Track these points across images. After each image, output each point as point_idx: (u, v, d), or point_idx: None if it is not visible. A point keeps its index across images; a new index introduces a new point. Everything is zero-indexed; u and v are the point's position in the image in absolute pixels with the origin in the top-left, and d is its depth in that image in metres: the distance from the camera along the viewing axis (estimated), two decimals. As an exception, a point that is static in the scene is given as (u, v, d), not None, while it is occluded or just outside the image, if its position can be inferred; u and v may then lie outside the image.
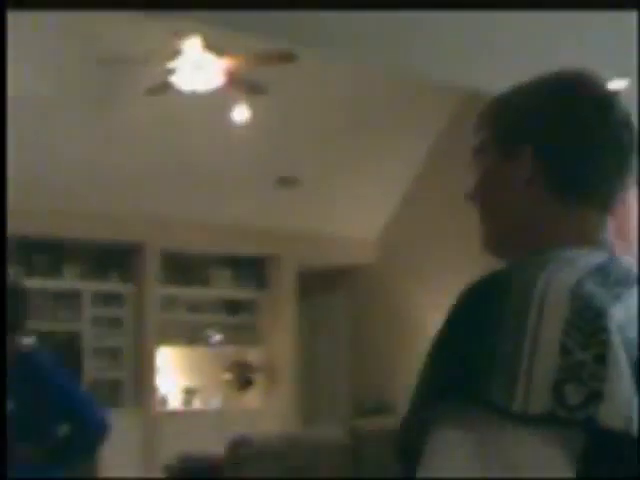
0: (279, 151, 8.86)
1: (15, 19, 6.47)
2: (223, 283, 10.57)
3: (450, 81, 7.10)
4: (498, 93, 1.37)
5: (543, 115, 1.30)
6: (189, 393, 10.20)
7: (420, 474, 1.04)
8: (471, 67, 5.46)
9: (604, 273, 1.13)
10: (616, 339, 1.03)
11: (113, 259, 10.06)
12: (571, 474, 1.00)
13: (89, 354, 9.59)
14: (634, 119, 1.30)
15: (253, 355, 10.56)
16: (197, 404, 10.24)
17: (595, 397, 0.99)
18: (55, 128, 8.07)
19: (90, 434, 4.16)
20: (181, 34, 6.30)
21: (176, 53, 6.36)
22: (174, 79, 6.44)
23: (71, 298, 9.67)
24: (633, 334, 1.07)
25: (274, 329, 10.49)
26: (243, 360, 10.47)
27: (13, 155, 8.10)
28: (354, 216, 10.02)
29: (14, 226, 8.91)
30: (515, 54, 5.09)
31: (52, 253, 9.70)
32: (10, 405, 3.84)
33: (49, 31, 6.84)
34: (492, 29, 4.82)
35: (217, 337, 10.43)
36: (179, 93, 6.79)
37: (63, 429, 4.12)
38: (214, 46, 6.43)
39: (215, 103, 7.33)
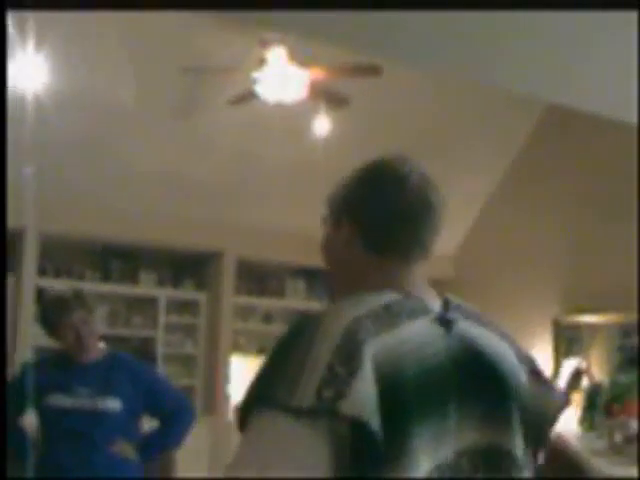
0: (358, 162, 8.81)
1: (99, 27, 6.54)
2: (297, 294, 10.56)
3: (533, 94, 7.02)
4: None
5: (355, 194, 1.74)
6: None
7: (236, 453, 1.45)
8: (554, 80, 5.36)
9: (388, 310, 1.57)
10: (366, 361, 1.44)
11: (189, 267, 10.12)
12: (326, 450, 1.39)
13: (163, 360, 9.63)
14: (429, 192, 1.72)
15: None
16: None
17: (340, 396, 1.39)
18: (135, 136, 8.12)
19: (180, 428, 4.25)
20: (266, 43, 6.29)
21: (261, 62, 6.36)
22: (258, 88, 6.43)
23: (146, 304, 9.73)
24: (402, 353, 1.50)
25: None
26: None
27: (93, 162, 8.24)
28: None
29: (92, 232, 9.09)
30: (600, 68, 4.99)
31: (129, 259, 9.78)
32: (115, 403, 3.98)
33: (131, 39, 6.88)
34: (576, 43, 4.73)
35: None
36: (261, 103, 6.78)
37: (151, 424, 4.21)
38: (298, 57, 6.42)
39: (297, 114, 7.32)
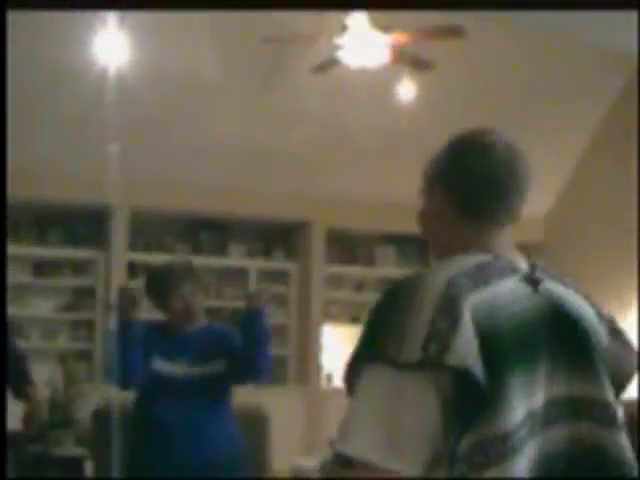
0: (445, 127, 8.69)
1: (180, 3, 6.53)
2: (388, 261, 10.49)
3: (624, 50, 6.86)
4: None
5: (445, 165, 1.85)
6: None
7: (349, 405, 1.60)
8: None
9: (480, 269, 1.69)
10: (465, 315, 1.57)
11: (278, 237, 10.14)
12: (435, 400, 1.54)
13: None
14: (515, 162, 1.82)
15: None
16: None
17: (445, 349, 1.52)
18: (220, 109, 8.12)
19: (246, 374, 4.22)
20: (347, 10, 6.21)
21: (342, 29, 6.27)
22: (340, 55, 6.36)
23: (237, 275, 9.76)
24: (496, 307, 1.64)
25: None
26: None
27: (179, 137, 8.27)
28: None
29: (181, 206, 9.15)
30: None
31: (218, 231, 9.83)
32: (215, 369, 4.12)
33: (217, 12, 6.85)
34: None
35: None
36: (344, 70, 6.71)
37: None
38: (379, 22, 6.33)
39: (380, 80, 7.22)
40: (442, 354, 1.53)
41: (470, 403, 1.55)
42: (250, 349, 4.17)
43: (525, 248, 2.02)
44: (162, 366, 4.13)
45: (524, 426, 1.61)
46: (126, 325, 4.03)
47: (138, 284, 9.20)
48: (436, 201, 1.87)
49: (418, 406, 1.54)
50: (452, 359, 1.53)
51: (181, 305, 4.18)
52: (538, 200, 10.05)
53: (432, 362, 1.53)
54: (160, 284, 4.21)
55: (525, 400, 1.62)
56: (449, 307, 1.58)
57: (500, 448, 1.56)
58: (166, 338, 4.21)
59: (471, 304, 1.60)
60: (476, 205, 1.82)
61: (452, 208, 1.84)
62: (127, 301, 4.02)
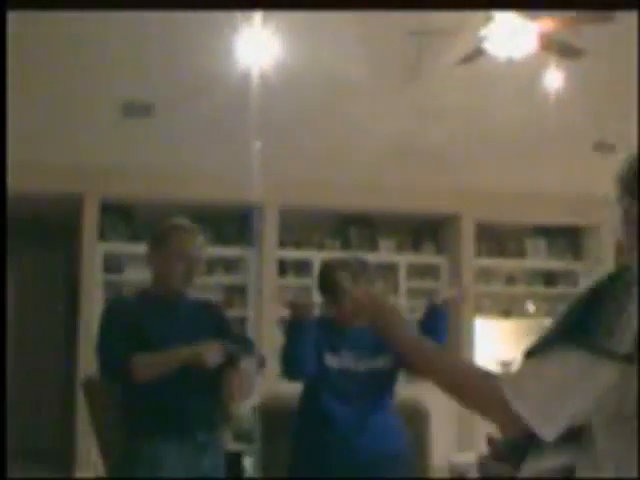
0: (593, 117, 8.48)
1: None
2: (538, 253, 10.33)
3: None
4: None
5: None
6: (506, 366, 10.05)
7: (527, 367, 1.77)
8: None
9: None
10: None
11: (427, 231, 10.11)
12: (629, 393, 1.62)
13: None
14: None
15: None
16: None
17: None
18: (366, 105, 8.12)
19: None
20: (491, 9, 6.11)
21: (487, 19, 6.18)
22: (487, 46, 6.26)
23: (387, 270, 9.76)
24: None
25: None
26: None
27: (324, 134, 8.31)
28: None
29: (329, 202, 9.21)
30: None
31: (367, 227, 9.87)
32: (379, 364, 4.18)
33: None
34: None
35: (532, 308, 10.24)
36: (488, 61, 6.61)
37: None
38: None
39: (527, 69, 7.09)
40: None
41: None
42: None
43: None
44: (331, 361, 4.15)
45: None
46: (300, 324, 4.03)
47: (288, 282, 9.31)
48: (638, 206, 1.89)
49: (596, 392, 1.65)
50: None
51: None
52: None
53: None
54: (336, 281, 4.19)
55: None
56: None
57: None
58: (334, 333, 4.22)
59: None
60: None
61: None
62: (304, 303, 4.03)
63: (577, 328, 1.68)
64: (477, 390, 1.81)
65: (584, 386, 1.65)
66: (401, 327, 2.06)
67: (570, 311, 1.72)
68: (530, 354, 1.76)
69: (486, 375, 1.82)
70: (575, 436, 1.78)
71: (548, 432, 1.68)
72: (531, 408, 1.68)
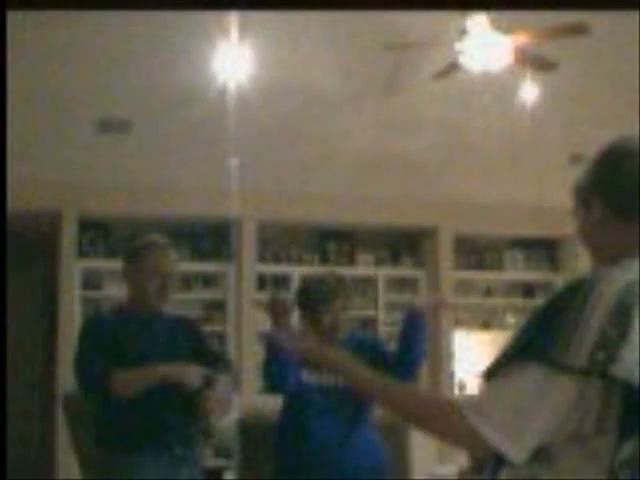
0: (570, 129, 8.54)
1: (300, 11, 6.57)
2: (517, 266, 10.37)
3: None
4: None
5: (599, 176, 1.90)
6: (486, 378, 10.07)
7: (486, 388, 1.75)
8: None
9: None
10: (636, 325, 1.59)
11: (406, 245, 10.11)
12: (590, 406, 1.61)
13: (386, 339, 9.65)
14: None
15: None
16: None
17: (612, 359, 1.56)
18: (342, 118, 8.15)
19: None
20: (466, 13, 6.15)
21: (462, 33, 6.22)
22: (462, 59, 6.31)
23: (366, 284, 9.76)
24: None
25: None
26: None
27: (301, 147, 8.32)
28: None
29: (306, 217, 9.21)
30: None
31: (345, 241, 9.86)
32: None
33: (332, 20, 6.88)
34: None
35: (511, 320, 10.26)
36: (465, 74, 6.65)
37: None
38: (499, 23, 6.25)
39: (504, 82, 7.13)
40: (608, 364, 1.58)
41: (631, 412, 1.62)
42: (407, 352, 4.25)
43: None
44: (309, 377, 4.15)
45: None
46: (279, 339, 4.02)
47: (266, 296, 9.30)
48: (596, 213, 1.89)
49: (557, 408, 1.63)
50: (619, 371, 1.58)
51: (330, 320, 4.19)
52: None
53: (597, 370, 1.58)
54: (313, 298, 4.22)
55: None
56: (621, 316, 1.61)
57: None
58: None
59: None
60: (637, 208, 1.84)
61: (614, 216, 1.86)
62: (279, 309, 4.04)
63: (534, 343, 1.67)
64: (442, 421, 1.77)
65: (544, 402, 1.64)
66: (352, 371, 2.00)
67: (527, 326, 1.72)
68: (490, 374, 1.74)
69: (449, 404, 1.78)
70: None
71: (517, 455, 1.67)
72: (498, 432, 1.67)
